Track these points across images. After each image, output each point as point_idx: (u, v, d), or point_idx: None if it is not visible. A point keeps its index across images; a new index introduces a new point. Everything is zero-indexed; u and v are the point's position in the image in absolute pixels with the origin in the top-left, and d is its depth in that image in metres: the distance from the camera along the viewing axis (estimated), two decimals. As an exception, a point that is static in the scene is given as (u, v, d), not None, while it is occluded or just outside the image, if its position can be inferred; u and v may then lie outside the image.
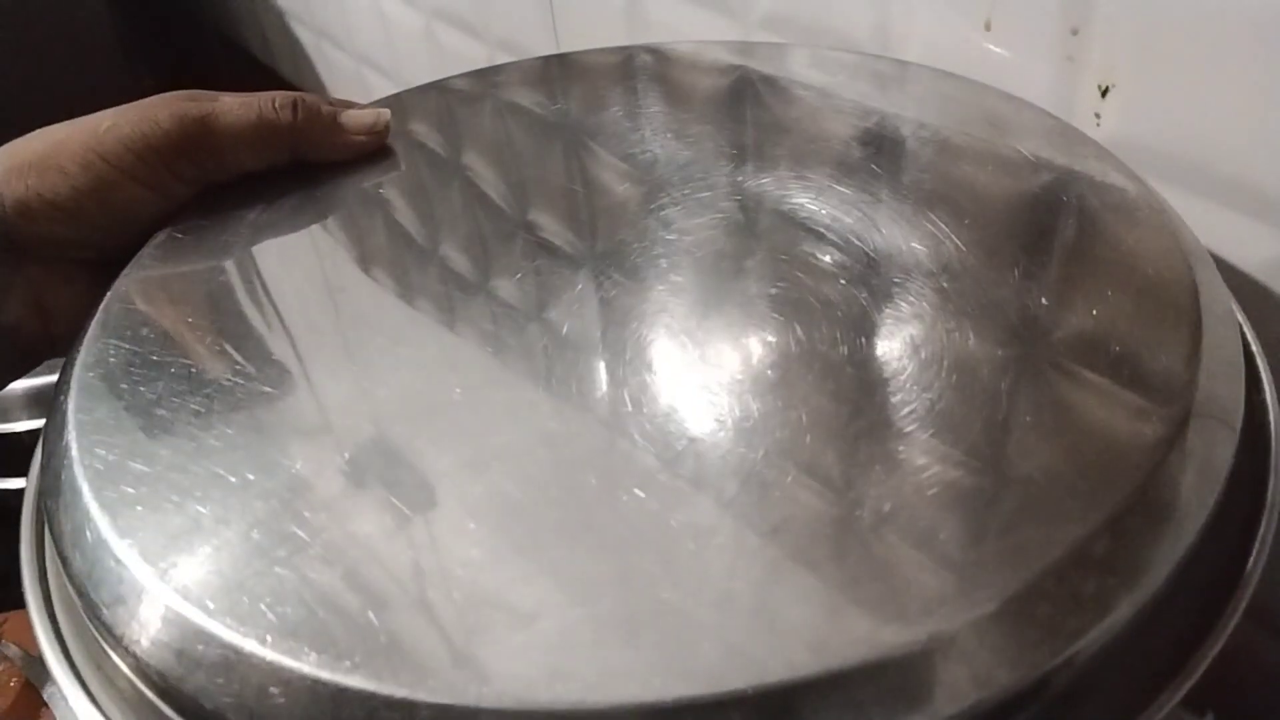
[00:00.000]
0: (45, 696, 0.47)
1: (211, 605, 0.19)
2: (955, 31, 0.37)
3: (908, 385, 0.23)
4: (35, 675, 0.48)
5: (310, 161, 0.34)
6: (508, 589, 0.19)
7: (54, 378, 0.27)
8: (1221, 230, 0.32)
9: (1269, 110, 0.29)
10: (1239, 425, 0.23)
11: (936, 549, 0.19)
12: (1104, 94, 0.33)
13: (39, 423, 0.51)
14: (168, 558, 0.21)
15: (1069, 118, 0.34)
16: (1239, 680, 0.37)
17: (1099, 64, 0.33)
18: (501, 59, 0.66)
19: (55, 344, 0.32)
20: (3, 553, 0.27)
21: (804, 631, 0.18)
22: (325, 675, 0.18)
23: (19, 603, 0.24)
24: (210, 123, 0.32)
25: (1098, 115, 0.34)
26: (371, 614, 0.19)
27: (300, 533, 0.21)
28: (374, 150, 0.35)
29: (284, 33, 1.00)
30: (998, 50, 0.36)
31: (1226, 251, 0.32)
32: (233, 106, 0.32)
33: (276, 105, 0.33)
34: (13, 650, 0.48)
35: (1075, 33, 0.33)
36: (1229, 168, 0.31)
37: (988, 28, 0.36)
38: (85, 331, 0.28)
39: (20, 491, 0.27)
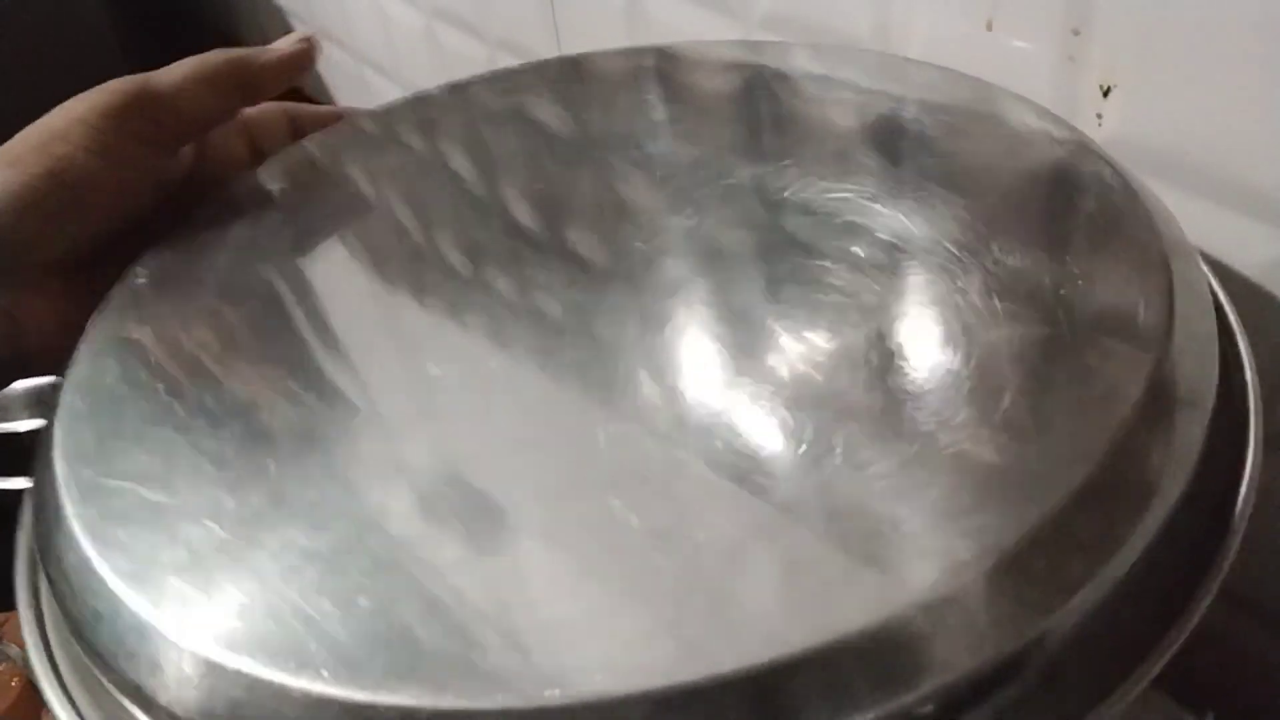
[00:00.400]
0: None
1: (195, 624, 0.19)
2: (956, 31, 0.37)
3: (884, 365, 0.23)
4: (36, 675, 0.48)
5: (261, 91, 0.35)
6: (488, 590, 0.19)
7: (55, 379, 0.27)
8: (1222, 230, 0.32)
9: (1270, 110, 0.29)
10: (1210, 405, 0.23)
11: (906, 527, 0.19)
12: (1105, 94, 0.33)
13: (39, 423, 0.51)
14: (149, 578, 0.21)
15: (1070, 117, 0.34)
16: (1239, 680, 0.37)
17: (1100, 64, 0.33)
18: (502, 59, 0.66)
19: (27, 364, 0.31)
20: (3, 553, 0.27)
21: (771, 614, 0.18)
22: (300, 684, 0.18)
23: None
24: (153, 76, 0.32)
25: (1099, 115, 0.34)
26: (346, 625, 0.19)
27: (287, 550, 0.21)
28: (309, 60, 0.36)
29: (284, 32, 1.00)
30: (999, 50, 0.36)
31: (1227, 251, 0.32)
32: (168, 66, 0.33)
33: (208, 52, 0.34)
34: (14, 650, 0.48)
35: (1077, 33, 0.33)
36: (1230, 168, 0.31)
37: (989, 27, 0.36)
38: (73, 353, 0.27)
39: (20, 492, 0.27)
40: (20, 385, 0.32)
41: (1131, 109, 0.33)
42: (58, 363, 0.31)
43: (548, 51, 0.61)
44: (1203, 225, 0.32)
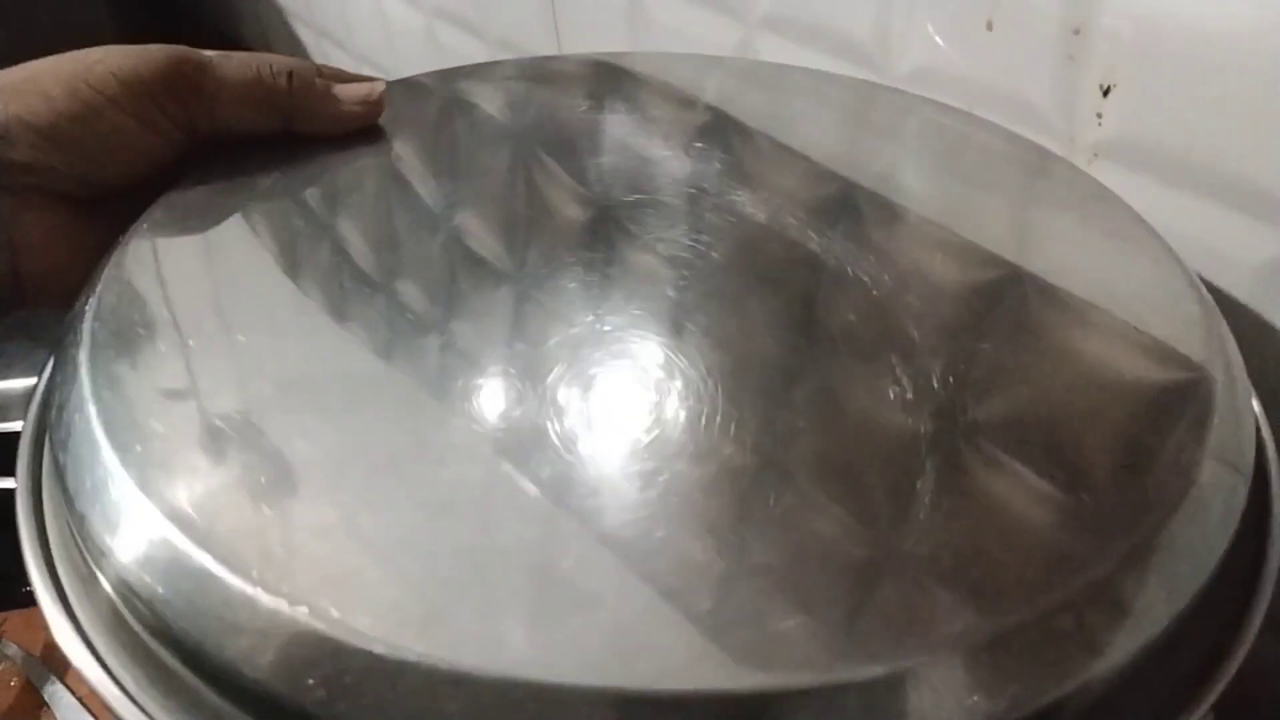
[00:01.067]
0: (45, 696, 0.47)
1: (238, 559, 0.19)
2: (956, 31, 0.37)
3: (905, 412, 0.22)
4: (35, 675, 0.48)
5: (302, 133, 0.34)
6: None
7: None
8: (1222, 230, 0.31)
9: (1269, 110, 0.29)
10: (1250, 471, 0.23)
11: (929, 584, 0.19)
12: (1105, 94, 0.33)
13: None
14: (196, 509, 0.20)
15: (1070, 118, 0.34)
16: (1239, 680, 0.37)
17: (1100, 64, 0.33)
18: (502, 59, 0.66)
19: (23, 287, 0.31)
20: (2, 553, 0.27)
21: (798, 653, 0.18)
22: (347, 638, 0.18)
23: (19, 603, 0.24)
24: (206, 67, 0.32)
25: (1099, 115, 0.34)
26: (402, 583, 0.19)
27: (327, 493, 0.21)
28: (369, 122, 0.34)
29: (285, 32, 1.00)
30: (999, 50, 0.36)
31: (1227, 252, 0.32)
32: (231, 59, 0.32)
33: (274, 69, 0.33)
34: (13, 650, 0.48)
35: (1077, 32, 0.33)
36: (1230, 168, 0.31)
37: (989, 27, 0.36)
38: (96, 283, 0.27)
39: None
40: (20, 385, 0.32)
41: (1131, 109, 0.33)
42: (52, 294, 0.31)
43: (548, 52, 0.61)
44: (1203, 225, 0.32)
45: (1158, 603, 0.20)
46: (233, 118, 0.33)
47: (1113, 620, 0.19)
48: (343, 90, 0.34)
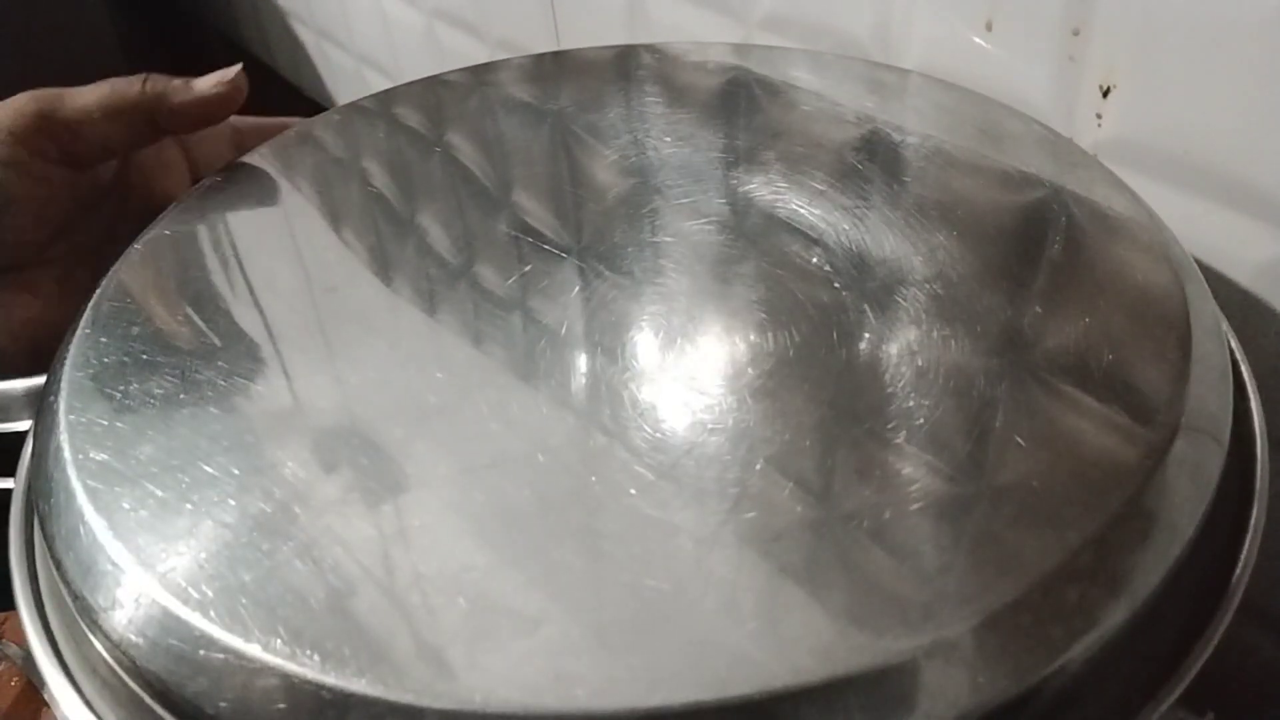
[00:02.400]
0: (46, 696, 0.47)
1: (211, 611, 0.19)
2: (956, 32, 0.37)
3: (901, 394, 0.23)
4: (36, 675, 0.48)
5: (174, 129, 0.34)
6: (510, 595, 0.19)
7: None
8: (1222, 230, 0.32)
9: (1270, 110, 0.29)
10: (1226, 439, 0.23)
11: (930, 558, 0.19)
12: (1105, 94, 0.33)
13: (40, 422, 0.51)
14: (165, 560, 0.21)
15: (1070, 118, 0.34)
16: (1239, 680, 0.37)
17: (1100, 64, 0.33)
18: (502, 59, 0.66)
19: None
20: (2, 553, 0.27)
21: (803, 640, 0.18)
22: (330, 680, 0.18)
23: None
24: (63, 97, 0.32)
25: (1099, 116, 0.34)
26: (377, 618, 0.19)
27: (299, 535, 0.21)
28: (234, 105, 0.35)
29: (284, 32, 1.00)
30: (998, 51, 0.36)
31: (1228, 251, 0.32)
32: (88, 85, 0.33)
33: (128, 80, 0.33)
34: (13, 650, 0.48)
35: (1076, 33, 0.33)
36: (1230, 168, 0.31)
37: (989, 28, 0.36)
38: (74, 331, 0.28)
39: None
40: (20, 385, 0.32)
41: (1131, 109, 0.33)
42: (11, 362, 0.32)
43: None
44: (1202, 225, 0.32)
45: (1139, 573, 0.20)
46: (103, 135, 0.33)
47: (1104, 589, 0.19)
48: (198, 81, 0.34)
